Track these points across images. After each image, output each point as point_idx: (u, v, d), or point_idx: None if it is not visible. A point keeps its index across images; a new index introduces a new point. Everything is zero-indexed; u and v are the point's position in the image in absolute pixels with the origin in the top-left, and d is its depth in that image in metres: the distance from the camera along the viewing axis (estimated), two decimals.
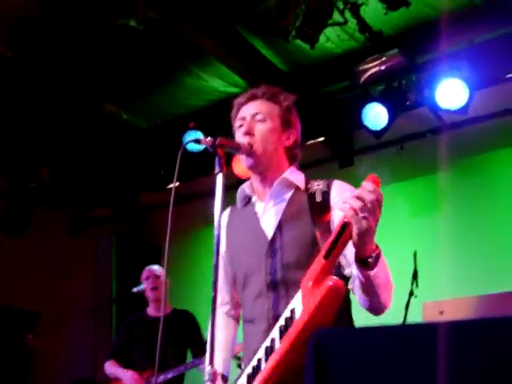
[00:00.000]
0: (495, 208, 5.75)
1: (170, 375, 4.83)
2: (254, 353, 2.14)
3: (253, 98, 2.46)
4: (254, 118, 2.39)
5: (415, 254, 4.80)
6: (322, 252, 1.88)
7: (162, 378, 4.84)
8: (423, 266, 4.87)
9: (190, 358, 5.19)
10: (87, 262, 8.22)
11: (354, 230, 1.80)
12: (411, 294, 4.70)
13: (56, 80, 6.13)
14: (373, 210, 1.76)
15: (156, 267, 5.42)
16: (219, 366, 2.40)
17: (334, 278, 1.84)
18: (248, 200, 2.49)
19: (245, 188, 2.47)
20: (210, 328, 1.95)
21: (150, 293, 5.30)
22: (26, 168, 7.10)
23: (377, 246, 1.88)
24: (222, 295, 2.53)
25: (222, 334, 2.51)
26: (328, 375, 1.46)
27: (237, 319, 2.56)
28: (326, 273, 1.88)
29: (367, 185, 1.78)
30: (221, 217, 2.10)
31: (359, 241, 1.81)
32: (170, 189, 2.05)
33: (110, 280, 7.76)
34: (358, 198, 1.77)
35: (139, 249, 7.79)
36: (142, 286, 5.23)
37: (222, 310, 2.55)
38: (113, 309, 7.48)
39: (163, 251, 2.04)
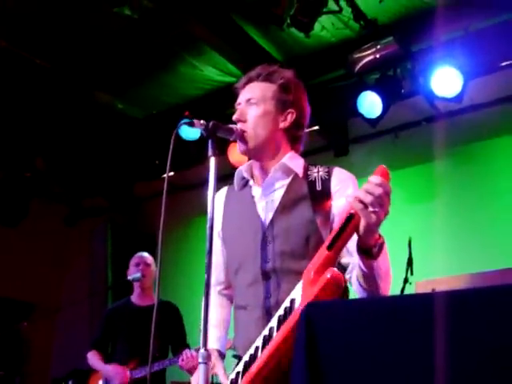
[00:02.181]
0: (490, 196, 5.75)
1: (155, 368, 4.72)
2: (248, 340, 2.13)
3: (249, 80, 2.41)
4: (248, 103, 2.35)
5: (410, 242, 4.81)
6: (326, 242, 1.86)
7: (146, 371, 4.76)
8: (418, 254, 4.89)
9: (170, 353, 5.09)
10: (82, 252, 8.24)
11: (362, 223, 1.78)
12: (406, 281, 4.71)
13: (50, 70, 6.11)
14: (382, 203, 1.74)
15: (146, 254, 5.32)
16: (214, 343, 2.39)
17: (334, 270, 1.81)
18: (245, 183, 2.44)
19: (242, 170, 2.42)
20: (203, 311, 1.93)
21: (141, 280, 5.14)
22: (20, 158, 7.09)
23: (380, 235, 1.86)
24: (217, 274, 2.47)
25: (216, 312, 2.48)
26: (318, 348, 1.43)
27: (231, 299, 2.51)
28: (329, 264, 1.86)
29: (375, 178, 1.75)
30: (214, 200, 2.06)
31: (366, 233, 1.80)
32: (164, 178, 2.04)
33: (105, 269, 7.76)
34: (367, 192, 1.74)
35: (134, 238, 7.78)
36: (137, 274, 5.15)
37: (216, 289, 2.51)
38: (108, 297, 7.48)
39: (158, 240, 2.02)
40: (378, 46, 5.27)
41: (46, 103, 6.66)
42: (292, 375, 1.50)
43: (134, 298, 5.27)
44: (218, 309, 2.50)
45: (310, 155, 6.48)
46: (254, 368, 1.93)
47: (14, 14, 5.39)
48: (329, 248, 1.84)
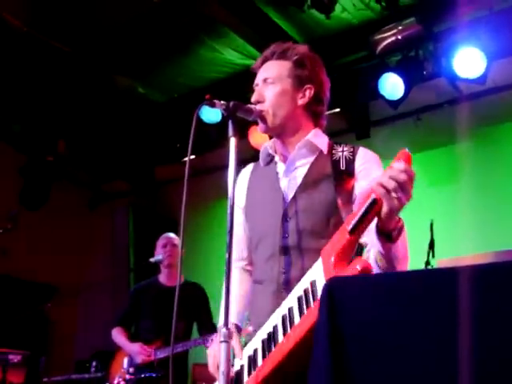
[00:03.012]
0: None
1: (178, 349, 4.73)
2: (262, 312, 2.16)
3: (265, 60, 2.41)
4: (266, 83, 2.35)
5: (432, 224, 4.79)
6: (348, 226, 1.86)
7: (169, 351, 4.71)
8: (441, 236, 4.87)
9: (195, 333, 5.12)
10: (104, 235, 8.31)
11: (384, 208, 1.78)
12: (427, 263, 4.70)
13: (71, 54, 6.13)
14: (406, 189, 1.74)
15: (173, 235, 5.36)
16: (232, 317, 2.35)
17: (362, 260, 1.82)
18: (271, 159, 2.45)
19: (267, 147, 2.43)
20: (224, 291, 1.94)
21: (167, 260, 5.19)
22: (42, 142, 7.14)
23: (399, 218, 1.86)
24: (240, 250, 2.49)
25: (237, 288, 2.49)
26: (341, 323, 1.43)
27: (252, 275, 2.51)
28: (351, 248, 1.88)
29: (399, 164, 1.74)
30: (235, 180, 2.08)
31: (387, 217, 1.80)
32: (185, 162, 2.05)
33: (127, 251, 7.82)
34: (391, 177, 1.74)
35: (155, 221, 7.83)
36: (159, 257, 5.19)
37: (238, 265, 2.53)
38: (130, 279, 7.54)
39: (179, 224, 2.03)
40: (400, 27, 5.21)
41: (68, 88, 6.69)
42: (314, 352, 1.49)
43: (162, 278, 5.30)
44: (239, 284, 2.51)
45: (332, 138, 6.50)
46: (274, 357, 1.94)
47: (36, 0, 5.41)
48: (351, 232, 1.84)
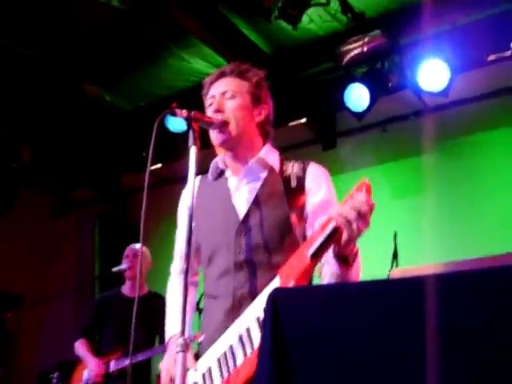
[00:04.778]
0: (478, 191, 5.78)
1: (139, 358, 4.70)
2: (215, 326, 2.18)
3: (222, 75, 2.44)
4: (224, 96, 2.37)
5: (395, 235, 4.84)
6: (308, 250, 1.89)
7: (127, 360, 4.76)
8: (405, 247, 4.91)
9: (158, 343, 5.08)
10: (69, 244, 8.22)
11: (344, 236, 1.84)
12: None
13: (38, 61, 6.07)
14: (366, 219, 1.80)
15: (137, 246, 5.33)
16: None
17: None
18: (220, 173, 2.47)
19: (218, 161, 2.45)
20: (181, 301, 1.95)
21: (128, 271, 5.21)
22: (7, 149, 7.05)
23: (355, 244, 1.92)
24: (183, 262, 2.45)
25: (181, 299, 2.48)
26: (286, 337, 1.41)
27: (196, 285, 2.58)
28: (309, 273, 1.94)
29: (361, 195, 1.80)
30: (194, 189, 2.10)
31: (346, 244, 1.87)
32: (152, 170, 2.06)
33: (92, 260, 7.75)
34: (353, 208, 1.78)
35: (121, 230, 7.77)
36: (122, 266, 5.18)
37: (181, 278, 2.48)
38: (95, 288, 7.47)
39: (143, 233, 2.02)
40: (366, 39, 5.27)
41: (34, 95, 6.62)
42: (257, 369, 1.48)
43: (125, 289, 5.30)
44: (183, 295, 2.51)
45: (298, 148, 6.57)
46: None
47: (2, 5, 5.35)
48: (313, 257, 1.88)
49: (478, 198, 5.75)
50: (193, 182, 2.10)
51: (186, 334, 2.29)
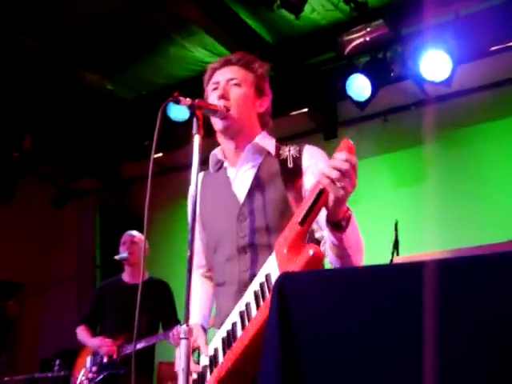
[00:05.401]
0: (479, 180, 5.79)
1: (141, 345, 4.70)
2: (225, 313, 2.20)
3: (227, 63, 2.46)
4: (229, 83, 2.39)
5: (396, 224, 4.84)
6: (297, 218, 1.90)
7: (131, 347, 4.73)
8: (406, 236, 4.92)
9: (161, 329, 5.09)
10: (71, 232, 8.24)
11: (331, 198, 1.83)
12: (391, 262, 4.74)
13: (40, 49, 6.07)
14: (349, 177, 1.78)
15: (134, 232, 5.36)
16: (198, 318, 2.44)
17: (314, 246, 1.86)
18: (220, 165, 2.49)
19: (217, 153, 2.48)
20: (186, 287, 1.95)
21: (128, 257, 5.19)
22: (8, 138, 7.05)
23: (348, 209, 1.91)
24: (199, 259, 2.56)
25: (199, 292, 2.54)
26: (291, 320, 1.42)
27: (212, 280, 2.57)
28: (302, 239, 1.92)
29: (341, 154, 1.79)
30: (197, 178, 2.10)
31: (334, 207, 1.85)
32: (153, 159, 2.07)
33: (93, 249, 7.77)
34: (334, 167, 1.78)
35: (122, 219, 7.78)
36: (124, 254, 5.17)
37: (198, 272, 2.59)
38: (96, 276, 7.49)
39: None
40: (368, 29, 5.25)
41: (35, 83, 6.62)
42: (264, 348, 1.49)
43: (125, 276, 5.31)
44: (201, 290, 2.57)
45: (300, 137, 6.56)
46: (235, 350, 1.96)
47: None
48: (301, 223, 1.89)
49: (479, 188, 5.77)
50: (196, 171, 2.09)
51: (198, 325, 2.35)
